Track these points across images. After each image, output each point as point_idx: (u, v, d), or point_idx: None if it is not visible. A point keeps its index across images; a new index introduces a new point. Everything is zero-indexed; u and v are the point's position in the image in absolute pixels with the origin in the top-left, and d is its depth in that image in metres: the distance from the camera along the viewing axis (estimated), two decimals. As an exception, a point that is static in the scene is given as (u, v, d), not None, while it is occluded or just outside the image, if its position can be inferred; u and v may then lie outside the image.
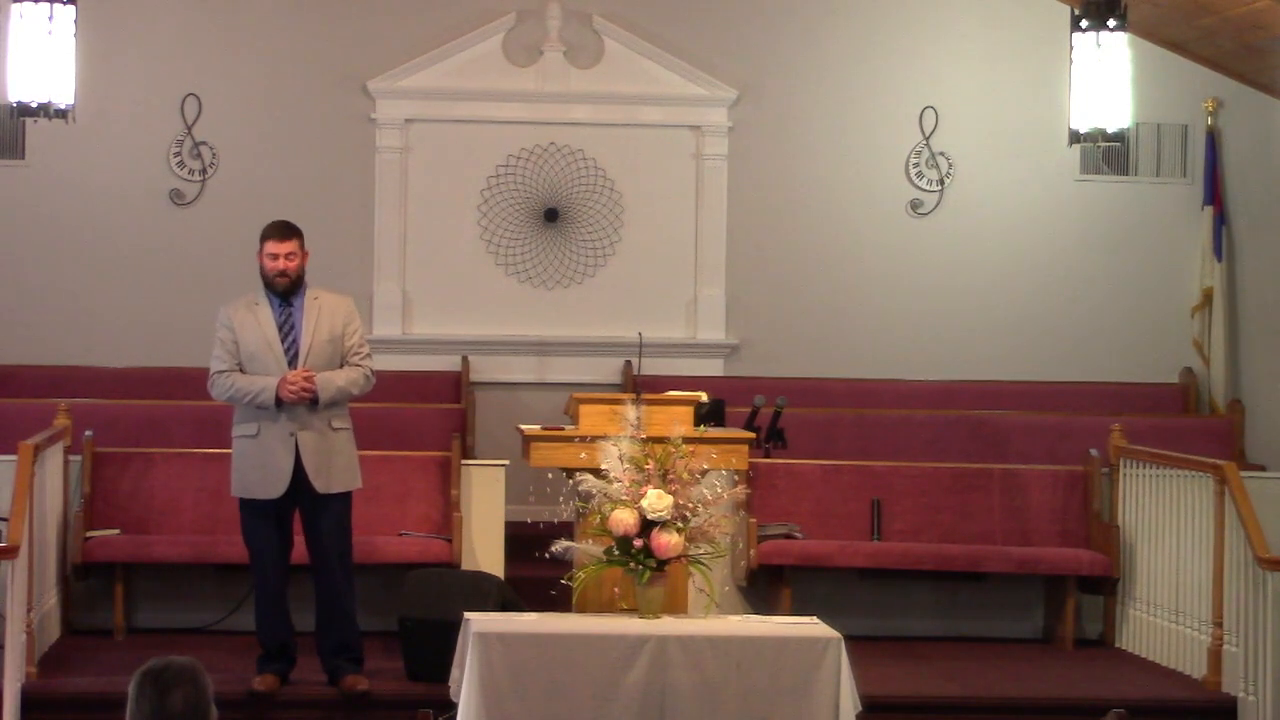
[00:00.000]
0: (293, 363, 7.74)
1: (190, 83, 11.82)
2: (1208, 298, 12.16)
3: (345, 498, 7.90)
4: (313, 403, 7.70)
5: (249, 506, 7.84)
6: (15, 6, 10.05)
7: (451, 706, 6.84)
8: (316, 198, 11.83)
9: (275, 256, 7.81)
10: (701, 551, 7.17)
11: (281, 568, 7.88)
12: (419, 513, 9.35)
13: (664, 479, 7.05)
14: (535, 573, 8.53)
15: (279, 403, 7.64)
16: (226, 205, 11.83)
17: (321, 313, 7.84)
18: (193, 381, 11.35)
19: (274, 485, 7.73)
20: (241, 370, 7.78)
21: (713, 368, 12.00)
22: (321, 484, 7.76)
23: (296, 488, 7.74)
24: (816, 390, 11.56)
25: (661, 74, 12.03)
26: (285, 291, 7.83)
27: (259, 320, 7.81)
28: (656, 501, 7.00)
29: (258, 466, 7.75)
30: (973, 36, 12.24)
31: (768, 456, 9.62)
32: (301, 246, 7.87)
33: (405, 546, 9.10)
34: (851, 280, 12.20)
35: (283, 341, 7.77)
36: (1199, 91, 12.25)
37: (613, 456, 7.11)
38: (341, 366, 7.84)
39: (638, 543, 7.01)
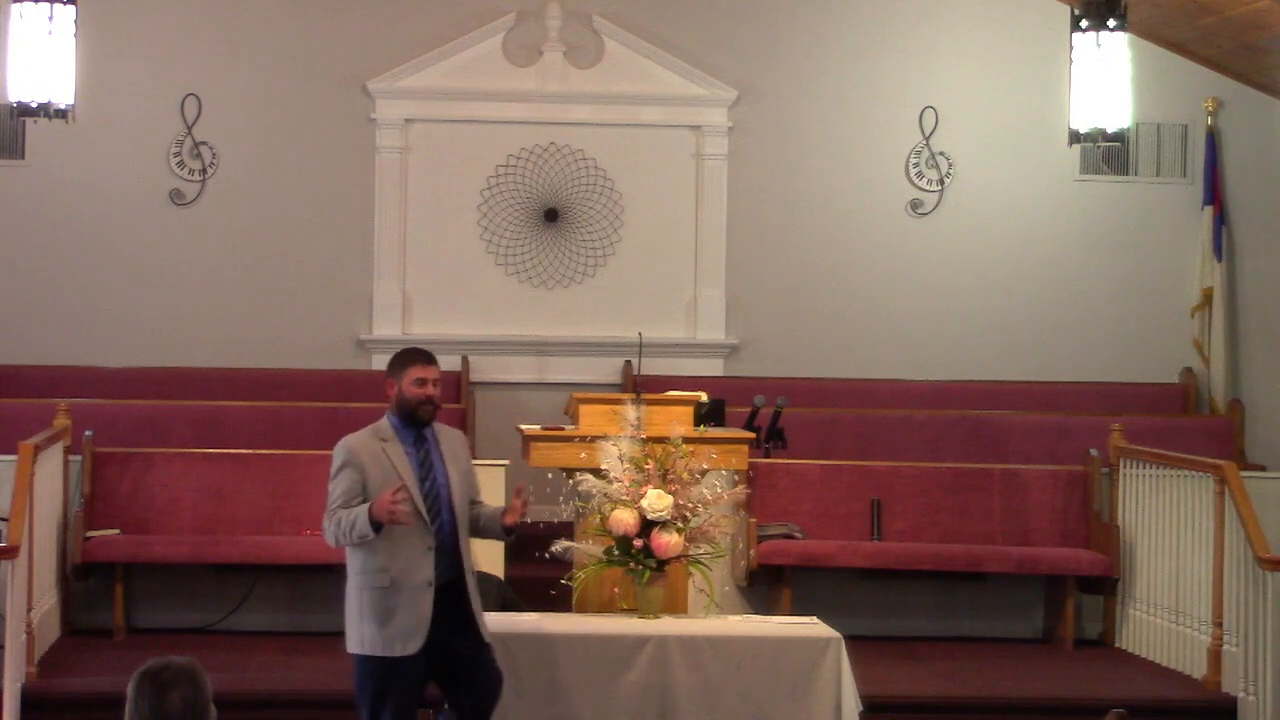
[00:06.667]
0: (435, 507, 6.54)
1: (190, 83, 11.83)
2: (1208, 298, 12.15)
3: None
4: (508, 531, 6.68)
5: (383, 665, 6.44)
6: (15, 6, 10.04)
7: (452, 706, 6.82)
8: (316, 198, 11.86)
9: (424, 382, 6.58)
10: (701, 551, 7.17)
11: None
12: (419, 513, 9.31)
13: (664, 479, 7.05)
14: (535, 573, 8.53)
15: (377, 528, 6.34)
16: (226, 205, 11.84)
17: (450, 446, 6.69)
18: (193, 382, 11.42)
19: (416, 637, 6.44)
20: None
21: (713, 368, 12.00)
22: (486, 632, 6.61)
23: (438, 640, 6.51)
24: (816, 390, 11.56)
25: (661, 74, 12.03)
26: (427, 422, 6.62)
27: (393, 460, 6.51)
28: (656, 501, 7.00)
29: (396, 616, 6.42)
30: (973, 36, 12.24)
31: (768, 456, 9.61)
32: None
33: (406, 547, 9.03)
34: (851, 280, 12.20)
35: (422, 484, 6.54)
36: (1199, 91, 12.25)
37: (613, 456, 7.11)
38: (471, 505, 6.75)
39: (638, 543, 7.01)
